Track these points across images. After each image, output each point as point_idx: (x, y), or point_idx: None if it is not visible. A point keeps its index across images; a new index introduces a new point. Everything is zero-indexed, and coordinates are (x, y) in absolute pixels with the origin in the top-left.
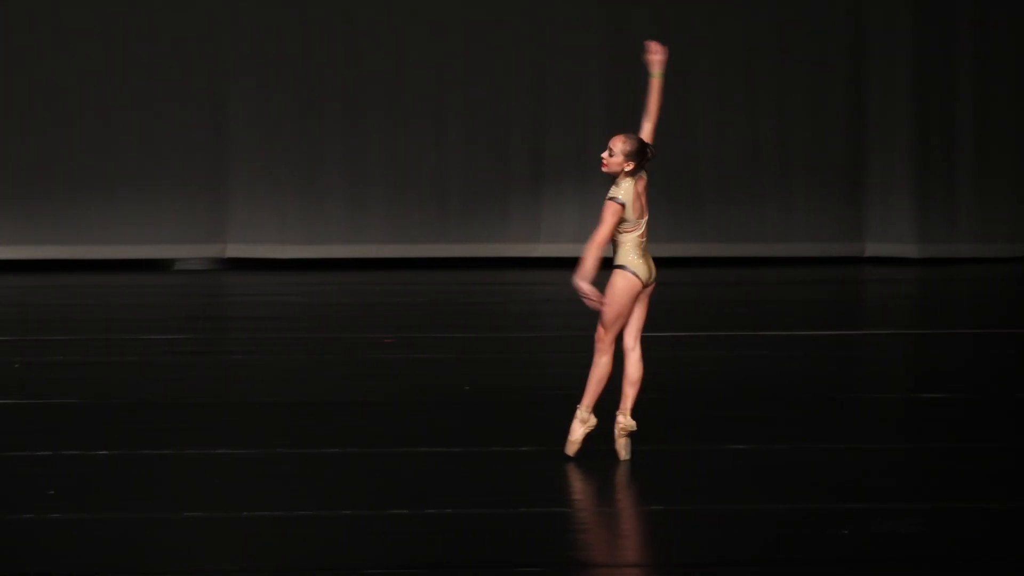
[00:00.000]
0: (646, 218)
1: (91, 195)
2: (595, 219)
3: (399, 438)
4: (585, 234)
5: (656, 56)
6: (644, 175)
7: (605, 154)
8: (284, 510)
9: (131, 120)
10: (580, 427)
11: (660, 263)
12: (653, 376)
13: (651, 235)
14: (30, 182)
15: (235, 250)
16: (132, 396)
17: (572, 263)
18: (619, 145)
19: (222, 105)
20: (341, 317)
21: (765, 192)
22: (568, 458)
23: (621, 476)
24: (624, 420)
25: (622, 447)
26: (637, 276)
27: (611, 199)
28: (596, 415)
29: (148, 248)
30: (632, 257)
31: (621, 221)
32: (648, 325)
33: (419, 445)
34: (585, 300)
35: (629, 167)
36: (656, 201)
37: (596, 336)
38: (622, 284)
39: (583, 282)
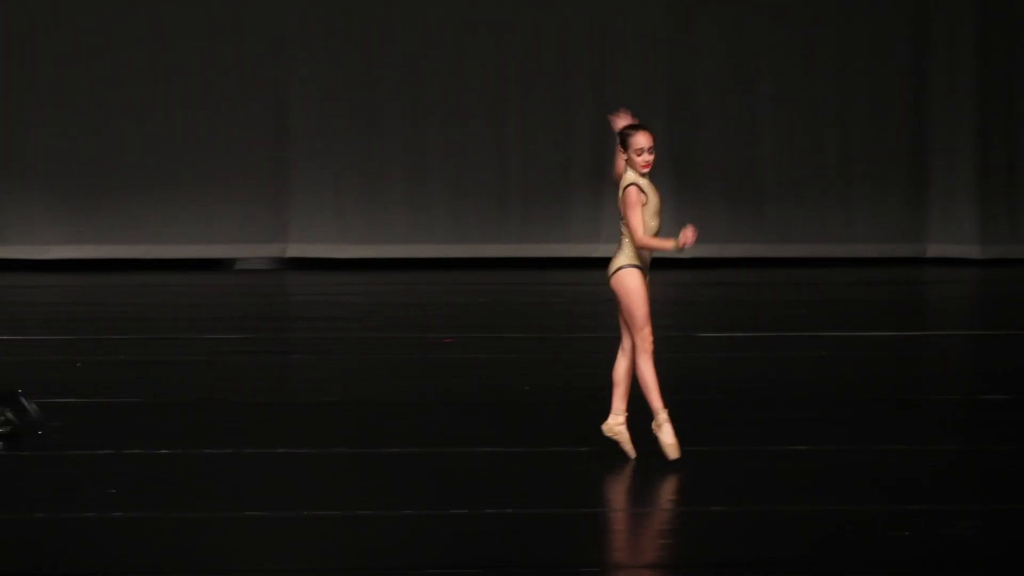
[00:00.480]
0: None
1: (153, 195)
2: None
3: (459, 438)
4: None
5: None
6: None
7: (651, 156)
8: (344, 510)
9: (193, 120)
10: (667, 427)
11: (720, 263)
12: (713, 377)
13: (712, 235)
14: (93, 182)
15: (295, 250)
16: (193, 395)
17: None
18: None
19: (283, 105)
20: (401, 317)
21: (827, 193)
22: (631, 459)
23: (680, 477)
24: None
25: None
26: (642, 269)
27: (634, 184)
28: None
29: (209, 248)
30: (634, 252)
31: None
32: (708, 325)
33: (479, 445)
34: (689, 239)
35: (623, 156)
36: (717, 201)
37: (640, 340)
38: (636, 282)
39: (678, 241)
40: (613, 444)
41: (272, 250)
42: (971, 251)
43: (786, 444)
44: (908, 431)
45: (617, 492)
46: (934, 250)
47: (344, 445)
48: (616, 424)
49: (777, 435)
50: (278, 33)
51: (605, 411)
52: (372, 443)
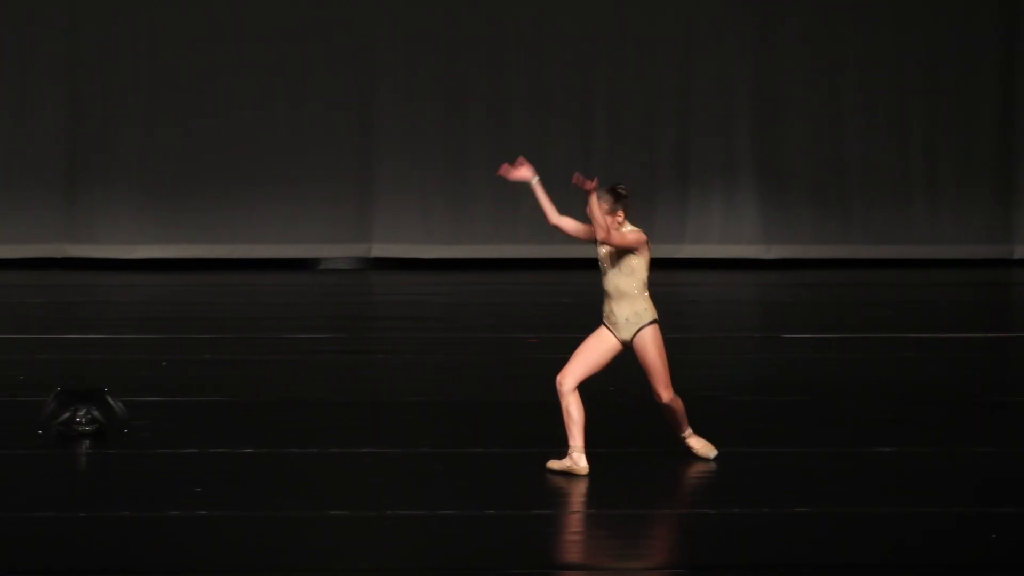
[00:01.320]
0: None
1: (239, 194)
2: (740, 221)
3: (542, 438)
4: (730, 236)
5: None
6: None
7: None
8: (428, 509)
9: (279, 119)
10: (696, 438)
11: (806, 264)
12: (799, 378)
13: (798, 236)
14: (179, 181)
15: (380, 250)
16: (278, 395)
17: (717, 264)
18: (599, 206)
19: (369, 105)
20: (485, 317)
21: (913, 194)
22: (708, 460)
23: (766, 478)
24: (581, 461)
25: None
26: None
27: (636, 230)
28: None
29: (294, 247)
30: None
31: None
32: (793, 326)
33: (563, 445)
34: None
35: (620, 217)
36: (802, 203)
37: (663, 397)
38: (661, 337)
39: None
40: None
41: (357, 250)
42: None
43: (872, 446)
44: (996, 433)
45: (706, 493)
46: (1022, 251)
47: (429, 445)
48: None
49: (863, 436)
50: (365, 32)
51: (689, 412)
52: (456, 443)
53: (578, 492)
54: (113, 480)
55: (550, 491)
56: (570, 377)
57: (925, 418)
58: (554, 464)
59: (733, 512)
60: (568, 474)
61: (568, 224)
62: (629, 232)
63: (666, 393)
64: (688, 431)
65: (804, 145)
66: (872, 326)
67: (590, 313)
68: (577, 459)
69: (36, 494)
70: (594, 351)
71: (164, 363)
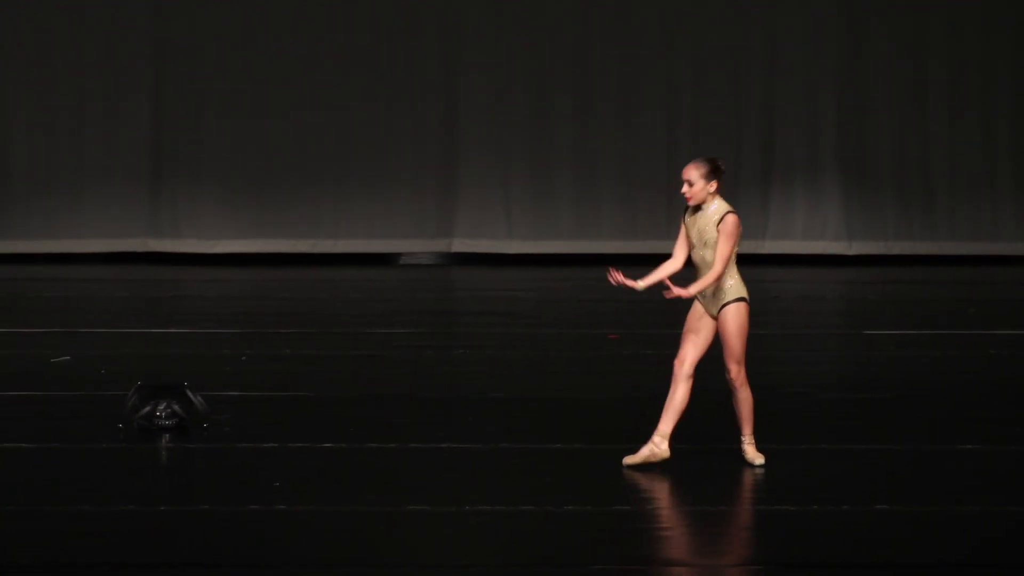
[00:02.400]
0: None
1: (321, 189)
2: (823, 217)
3: (623, 435)
4: (812, 232)
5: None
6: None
7: (684, 189)
8: (509, 505)
9: (362, 114)
10: (754, 449)
11: (889, 260)
12: (882, 375)
13: (882, 233)
14: (262, 177)
15: (462, 245)
16: (359, 390)
17: (799, 260)
18: (694, 171)
19: (453, 99)
20: (567, 312)
21: (998, 191)
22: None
23: (847, 474)
24: (663, 446)
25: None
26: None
27: (733, 212)
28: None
29: (376, 243)
30: (744, 285)
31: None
32: (876, 323)
33: (642, 442)
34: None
35: (713, 187)
36: (886, 199)
37: (732, 372)
38: (746, 317)
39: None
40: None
41: (438, 245)
42: None
43: (956, 443)
44: None
45: (786, 490)
46: None
47: (509, 441)
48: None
49: (947, 434)
50: (449, 27)
51: (770, 408)
52: (538, 439)
53: (658, 488)
54: (193, 474)
55: (630, 487)
56: (687, 362)
57: (1010, 415)
58: (631, 459)
59: (813, 509)
60: (646, 466)
61: (674, 266)
62: (727, 229)
63: (736, 368)
64: (749, 437)
65: (888, 141)
66: (956, 323)
67: (670, 309)
68: (659, 443)
69: (117, 488)
70: (697, 329)
71: (244, 358)
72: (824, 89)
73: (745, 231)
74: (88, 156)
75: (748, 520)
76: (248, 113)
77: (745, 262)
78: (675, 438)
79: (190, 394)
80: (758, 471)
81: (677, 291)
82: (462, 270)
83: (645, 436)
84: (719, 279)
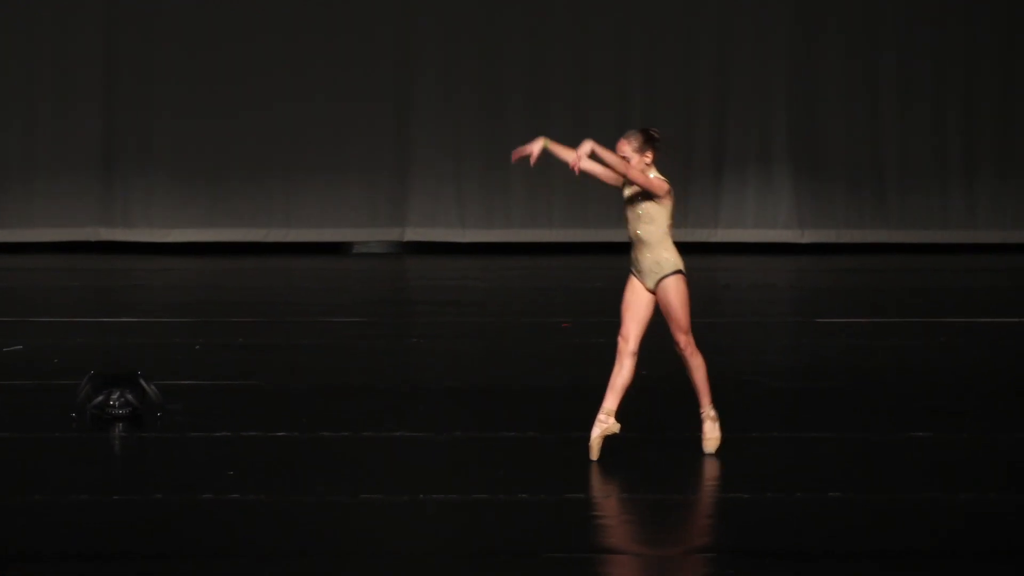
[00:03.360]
0: None
1: (274, 179)
2: (774, 205)
3: (576, 423)
4: (764, 220)
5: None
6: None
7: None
8: (462, 494)
9: (315, 105)
10: (715, 424)
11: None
12: (835, 364)
13: (833, 221)
14: (215, 166)
15: (414, 234)
16: (312, 379)
17: (751, 248)
18: (628, 144)
19: (405, 90)
20: (519, 301)
21: (948, 179)
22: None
23: (808, 464)
24: (610, 421)
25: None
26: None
27: (661, 178)
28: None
29: (329, 232)
30: (680, 257)
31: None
32: (829, 311)
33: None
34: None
35: (648, 158)
36: (838, 188)
37: (680, 343)
38: (684, 286)
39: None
40: (703, 439)
41: (391, 234)
42: None
43: (909, 432)
44: None
45: (733, 478)
46: None
47: (462, 430)
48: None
49: (899, 422)
50: (402, 19)
51: (723, 396)
52: (490, 428)
53: (612, 477)
54: (147, 464)
55: (584, 476)
56: (631, 339)
57: (961, 404)
58: (593, 450)
59: (767, 497)
60: (602, 455)
61: (596, 167)
62: (654, 177)
63: (684, 338)
64: (708, 410)
65: (839, 129)
66: (907, 311)
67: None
68: (605, 419)
69: (70, 477)
70: (635, 304)
71: (198, 347)
72: (776, 78)
73: (697, 220)
74: (39, 145)
75: (703, 508)
76: (202, 107)
77: (697, 250)
78: (628, 427)
79: (143, 383)
80: (711, 459)
81: (577, 157)
82: (415, 259)
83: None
84: (626, 171)
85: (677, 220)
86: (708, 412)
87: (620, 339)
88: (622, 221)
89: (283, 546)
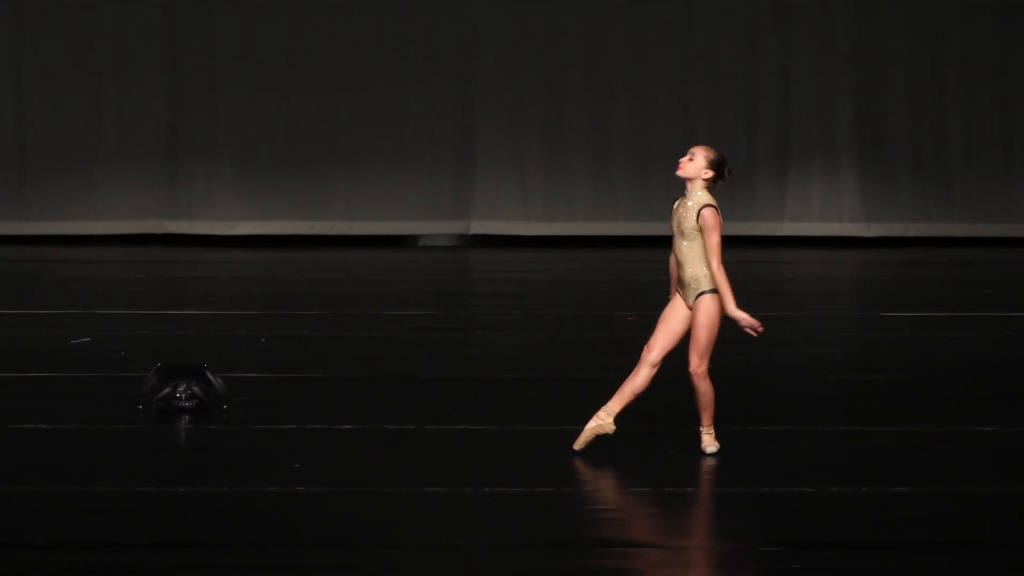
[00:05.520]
0: None
1: (339, 171)
2: (840, 199)
3: (640, 416)
4: (830, 214)
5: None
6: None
7: (685, 158)
8: (525, 486)
9: (380, 96)
10: (712, 441)
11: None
12: (897, 357)
13: (898, 214)
14: (279, 158)
15: (479, 227)
16: (377, 371)
17: (816, 242)
18: (703, 152)
19: (469, 82)
20: (585, 294)
21: (1014, 172)
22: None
23: (868, 458)
24: (607, 421)
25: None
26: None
27: (711, 206)
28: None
29: (394, 224)
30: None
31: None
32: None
33: (655, 424)
34: (748, 330)
35: (708, 175)
36: (904, 181)
37: (692, 364)
38: (717, 310)
39: (740, 312)
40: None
41: (456, 227)
42: None
43: (972, 425)
44: None
45: (801, 472)
46: None
47: (526, 422)
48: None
49: (963, 416)
50: (465, 8)
51: (787, 389)
52: (554, 420)
53: (674, 471)
54: (212, 455)
55: (648, 469)
56: (656, 350)
57: None
58: (579, 443)
59: (831, 491)
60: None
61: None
62: (708, 224)
63: (697, 361)
64: (707, 428)
65: (905, 123)
66: (972, 305)
67: None
68: (603, 417)
69: (136, 469)
70: (671, 319)
71: (263, 339)
72: (840, 71)
73: (762, 213)
74: (103, 138)
75: (773, 503)
76: (264, 94)
77: (762, 244)
78: (682, 419)
79: (209, 375)
80: (775, 453)
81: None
82: (480, 252)
83: (661, 416)
84: (714, 271)
85: (742, 214)
86: (706, 430)
87: (645, 347)
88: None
89: (347, 537)
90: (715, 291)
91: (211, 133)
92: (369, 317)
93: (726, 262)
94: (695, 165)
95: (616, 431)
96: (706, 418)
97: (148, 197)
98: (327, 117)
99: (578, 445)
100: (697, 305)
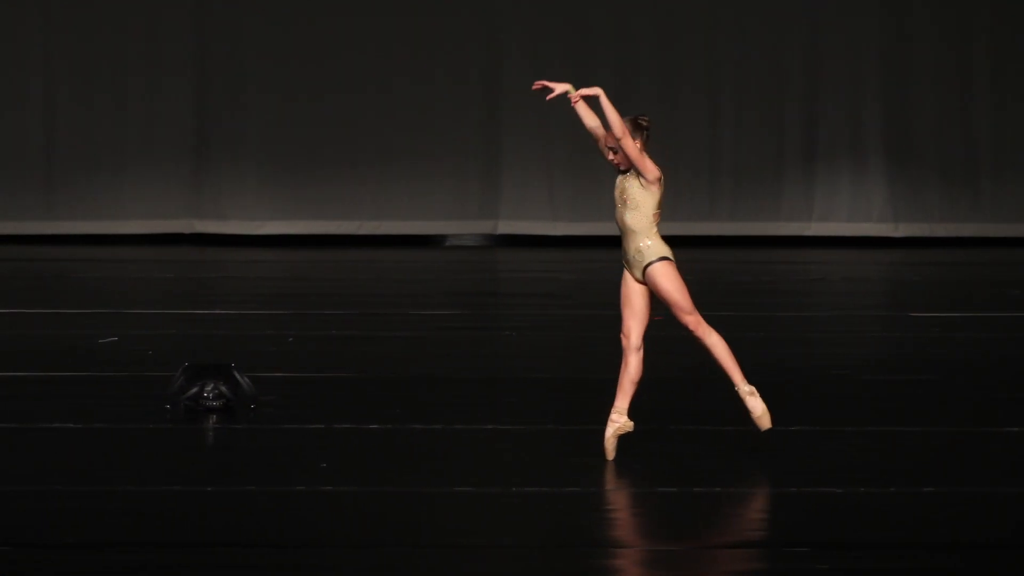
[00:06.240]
0: None
1: (365, 171)
2: (868, 199)
3: (667, 415)
4: (858, 214)
5: (547, 88)
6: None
7: (610, 156)
8: (553, 487)
9: (406, 96)
10: (756, 398)
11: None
12: (926, 357)
13: (927, 214)
14: (306, 158)
15: (506, 226)
16: (404, 371)
17: (844, 242)
18: (621, 134)
19: (496, 82)
20: (610, 294)
21: None
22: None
23: (894, 458)
24: (623, 420)
25: (613, 447)
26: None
27: (657, 167)
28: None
29: (421, 224)
30: (666, 245)
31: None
32: (922, 304)
33: (683, 423)
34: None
35: (638, 144)
36: (932, 181)
37: (689, 324)
38: (674, 271)
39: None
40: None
41: (483, 227)
42: None
43: (998, 426)
44: None
45: (829, 471)
46: None
47: (554, 422)
48: (626, 424)
49: (990, 416)
50: (491, 8)
51: (818, 390)
52: (582, 421)
53: (702, 470)
54: (239, 455)
55: (674, 467)
56: (633, 335)
57: None
58: (609, 450)
59: (859, 491)
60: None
61: (589, 115)
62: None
63: (690, 319)
64: (746, 386)
65: (933, 123)
66: (1000, 306)
67: (713, 290)
68: (618, 419)
69: (164, 468)
70: (631, 298)
71: (290, 339)
72: (868, 70)
73: (790, 213)
74: (131, 138)
75: (800, 503)
76: (291, 93)
77: (790, 244)
78: (707, 419)
79: (237, 375)
80: (805, 454)
81: (580, 93)
82: (507, 251)
83: (691, 415)
84: (623, 136)
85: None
86: (743, 388)
87: (622, 336)
88: (745, 213)
89: (374, 537)
90: (663, 258)
91: (239, 133)
92: (396, 317)
93: (750, 261)
94: (623, 153)
95: (637, 428)
96: (736, 374)
97: (176, 197)
98: (354, 117)
99: (609, 455)
100: (651, 275)
